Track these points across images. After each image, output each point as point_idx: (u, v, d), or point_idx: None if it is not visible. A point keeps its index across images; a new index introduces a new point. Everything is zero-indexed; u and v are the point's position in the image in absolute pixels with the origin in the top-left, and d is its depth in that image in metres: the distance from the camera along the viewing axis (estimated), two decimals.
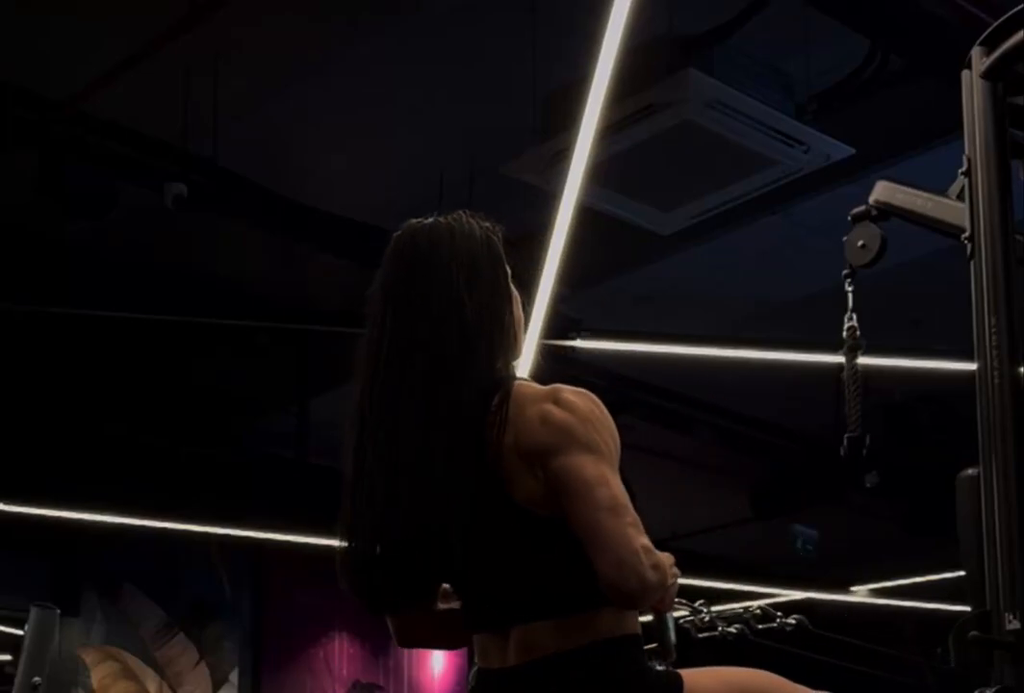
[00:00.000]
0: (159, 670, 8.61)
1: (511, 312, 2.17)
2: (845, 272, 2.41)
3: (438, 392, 2.07)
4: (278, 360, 7.14)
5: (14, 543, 7.90)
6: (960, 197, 2.18)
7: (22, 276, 5.90)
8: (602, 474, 2.01)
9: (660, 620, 2.25)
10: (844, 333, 2.38)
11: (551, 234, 4.02)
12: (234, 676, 8.34)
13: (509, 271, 2.20)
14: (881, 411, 7.18)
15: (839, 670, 5.86)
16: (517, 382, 2.12)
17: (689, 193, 5.12)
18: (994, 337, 2.05)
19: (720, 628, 2.46)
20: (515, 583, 2.06)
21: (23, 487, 6.77)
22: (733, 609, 2.49)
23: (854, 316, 2.38)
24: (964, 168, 2.17)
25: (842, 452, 2.33)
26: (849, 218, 2.38)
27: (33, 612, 4.16)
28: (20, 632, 4.31)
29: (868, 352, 2.37)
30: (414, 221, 2.22)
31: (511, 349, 2.17)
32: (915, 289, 5.96)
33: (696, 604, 2.43)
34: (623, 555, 1.96)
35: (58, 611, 4.27)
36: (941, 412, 7.27)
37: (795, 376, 5.88)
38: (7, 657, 6.77)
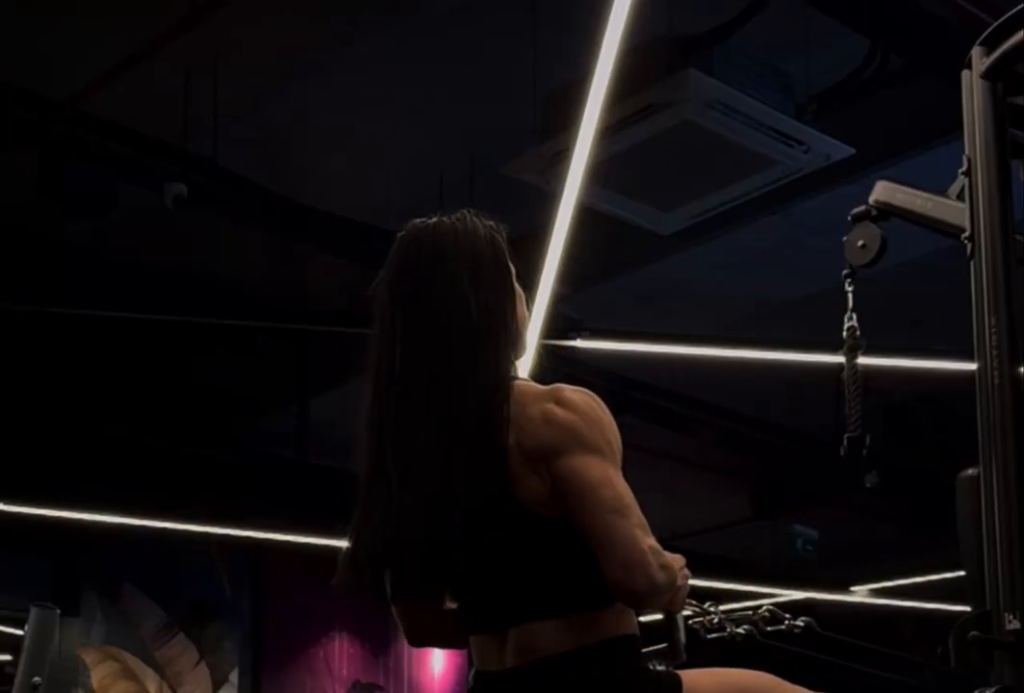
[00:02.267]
0: (159, 670, 8.60)
1: (516, 310, 2.17)
2: (845, 272, 2.41)
3: (447, 393, 2.07)
4: (278, 360, 7.13)
5: (14, 543, 7.90)
6: (960, 197, 2.18)
7: (22, 276, 5.90)
8: (607, 475, 2.02)
9: (671, 620, 2.25)
10: (844, 333, 2.38)
11: (551, 234, 4.03)
12: (234, 676, 8.33)
13: (513, 269, 2.20)
14: (881, 411, 7.18)
15: (839, 670, 5.85)
16: (517, 382, 2.12)
17: (689, 193, 5.12)
18: (994, 337, 2.05)
19: (729, 629, 2.45)
20: (515, 584, 2.06)
21: (23, 487, 6.76)
22: (742, 611, 2.49)
23: (854, 316, 2.38)
24: (964, 168, 2.16)
25: (842, 452, 2.32)
26: (849, 218, 2.38)
27: (33, 612, 4.15)
28: (20, 632, 4.31)
29: (868, 352, 2.36)
30: (418, 221, 2.20)
31: (516, 347, 2.17)
32: (915, 289, 5.96)
33: (705, 605, 2.42)
34: (631, 556, 1.97)
35: (58, 611, 4.26)
36: (941, 412, 7.27)
37: (795, 376, 5.88)
38: (7, 657, 6.74)
